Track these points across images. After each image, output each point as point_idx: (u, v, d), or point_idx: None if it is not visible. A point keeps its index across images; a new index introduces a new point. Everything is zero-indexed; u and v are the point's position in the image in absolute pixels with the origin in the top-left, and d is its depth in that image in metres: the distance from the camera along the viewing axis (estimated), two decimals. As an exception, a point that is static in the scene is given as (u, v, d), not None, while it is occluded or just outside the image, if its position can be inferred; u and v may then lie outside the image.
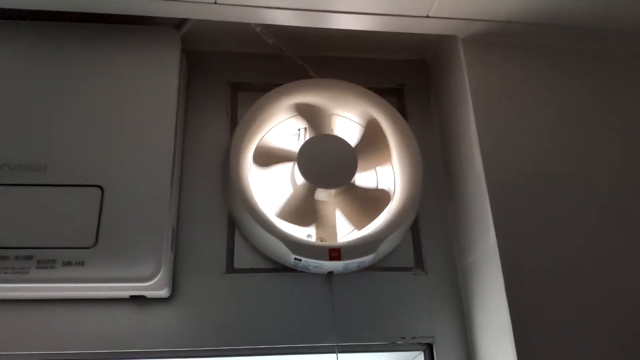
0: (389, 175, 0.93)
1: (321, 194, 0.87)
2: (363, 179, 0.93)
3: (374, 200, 0.90)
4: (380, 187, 0.94)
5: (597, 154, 0.86)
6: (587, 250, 0.79)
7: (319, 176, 0.86)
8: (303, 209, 0.87)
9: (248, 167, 0.88)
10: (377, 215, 0.88)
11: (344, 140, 0.89)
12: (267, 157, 0.89)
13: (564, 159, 0.85)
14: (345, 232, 0.90)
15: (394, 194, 0.90)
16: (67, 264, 0.71)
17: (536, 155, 0.84)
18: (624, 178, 0.85)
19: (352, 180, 0.87)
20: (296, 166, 0.86)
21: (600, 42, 0.94)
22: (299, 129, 0.95)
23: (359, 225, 0.88)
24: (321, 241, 0.86)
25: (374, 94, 0.94)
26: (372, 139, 0.92)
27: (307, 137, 0.90)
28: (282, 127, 0.94)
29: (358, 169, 0.87)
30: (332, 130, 0.92)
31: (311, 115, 0.92)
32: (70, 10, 0.82)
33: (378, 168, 0.94)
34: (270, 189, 0.90)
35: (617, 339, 0.74)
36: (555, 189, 0.82)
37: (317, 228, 0.88)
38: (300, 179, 0.86)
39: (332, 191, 0.87)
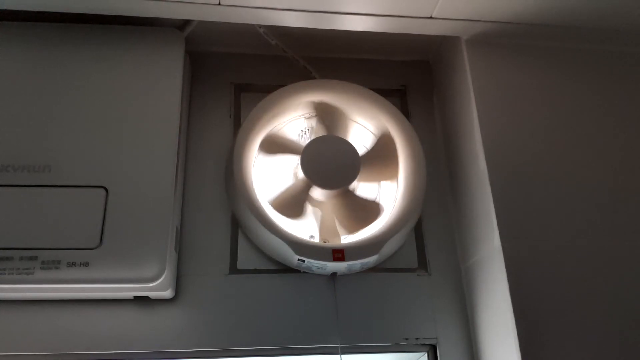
0: (391, 190, 0.92)
1: (317, 193, 0.87)
2: (364, 188, 0.92)
3: (365, 210, 0.89)
4: (379, 198, 0.93)
5: (601, 154, 0.86)
6: (592, 251, 0.79)
7: (319, 175, 0.86)
8: (295, 203, 0.86)
9: (251, 168, 0.88)
10: (367, 225, 0.87)
11: (351, 146, 0.89)
12: (274, 145, 0.90)
13: (568, 159, 0.85)
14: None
15: (395, 201, 0.89)
16: (72, 264, 0.71)
17: (540, 155, 0.84)
18: (628, 178, 0.85)
19: (350, 186, 0.87)
20: (299, 161, 0.86)
21: (603, 42, 0.94)
22: (302, 130, 0.95)
23: (349, 231, 0.88)
24: (324, 242, 0.86)
25: (377, 95, 0.94)
26: (382, 153, 0.92)
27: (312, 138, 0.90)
28: (286, 128, 0.94)
29: (362, 178, 0.87)
30: (347, 134, 0.92)
31: (329, 117, 0.92)
32: (75, 12, 0.83)
33: (383, 182, 0.93)
34: (271, 177, 0.90)
35: (623, 340, 0.74)
36: (559, 189, 0.82)
37: (320, 229, 0.88)
38: (301, 174, 0.86)
39: (329, 192, 0.87)
